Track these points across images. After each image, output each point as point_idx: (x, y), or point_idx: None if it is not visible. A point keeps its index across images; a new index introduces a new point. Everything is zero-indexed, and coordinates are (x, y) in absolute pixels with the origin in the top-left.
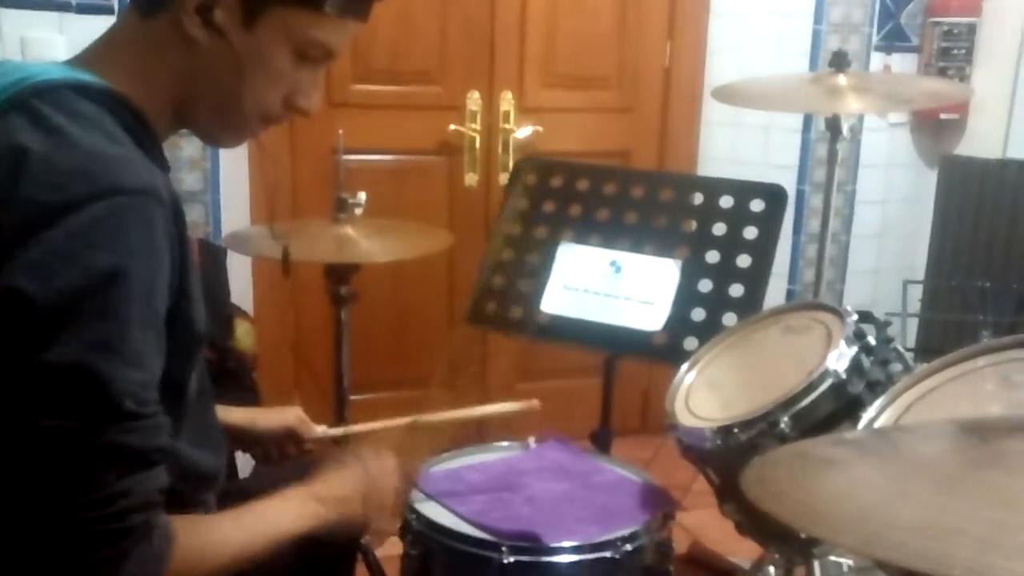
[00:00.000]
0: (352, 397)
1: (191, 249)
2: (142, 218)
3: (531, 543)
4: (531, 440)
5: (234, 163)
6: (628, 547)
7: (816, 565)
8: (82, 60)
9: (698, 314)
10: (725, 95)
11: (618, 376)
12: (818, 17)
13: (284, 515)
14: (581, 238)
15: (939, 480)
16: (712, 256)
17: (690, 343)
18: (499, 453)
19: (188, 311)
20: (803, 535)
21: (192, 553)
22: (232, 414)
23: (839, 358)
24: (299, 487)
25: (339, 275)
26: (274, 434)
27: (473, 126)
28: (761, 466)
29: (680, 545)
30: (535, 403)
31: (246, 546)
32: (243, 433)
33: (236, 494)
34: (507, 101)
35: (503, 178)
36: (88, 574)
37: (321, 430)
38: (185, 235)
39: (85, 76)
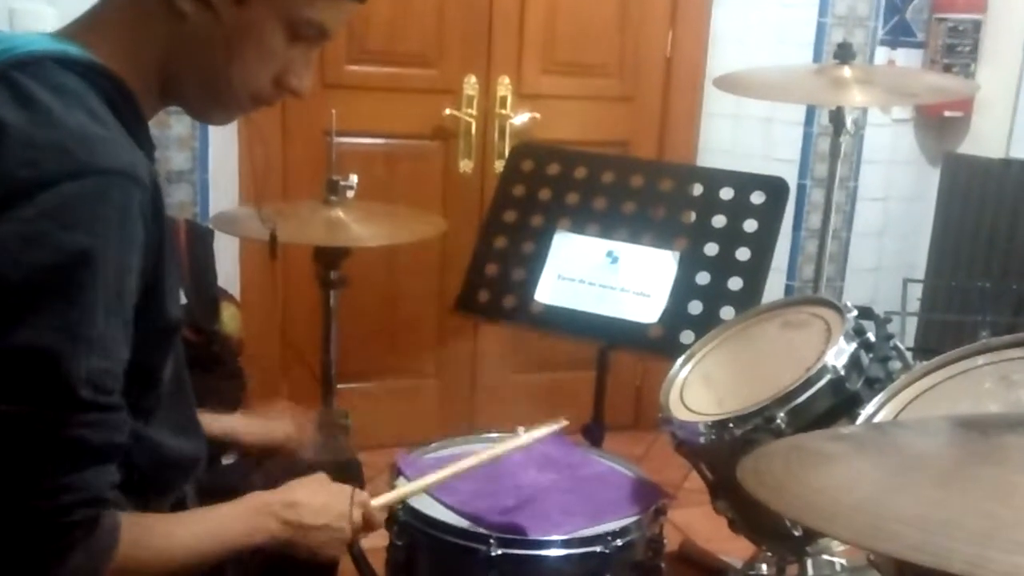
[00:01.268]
0: (340, 385)
1: (178, 232)
2: (117, 200)
3: (515, 535)
4: (520, 430)
5: (224, 142)
6: (618, 542)
7: (809, 564)
8: (69, 32)
9: (695, 307)
10: (727, 84)
11: (611, 371)
12: (823, 9)
13: (235, 525)
14: (578, 227)
15: (936, 474)
16: (711, 248)
17: (686, 336)
18: (488, 444)
19: (161, 297)
20: (797, 532)
21: (137, 552)
22: (214, 424)
23: (838, 354)
24: (259, 498)
25: (329, 259)
26: (256, 447)
27: (469, 111)
28: (757, 459)
29: (671, 543)
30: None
31: (192, 550)
32: (224, 445)
33: (218, 479)
34: (504, 86)
35: (498, 165)
36: (32, 564)
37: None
38: (163, 219)
39: (71, 48)
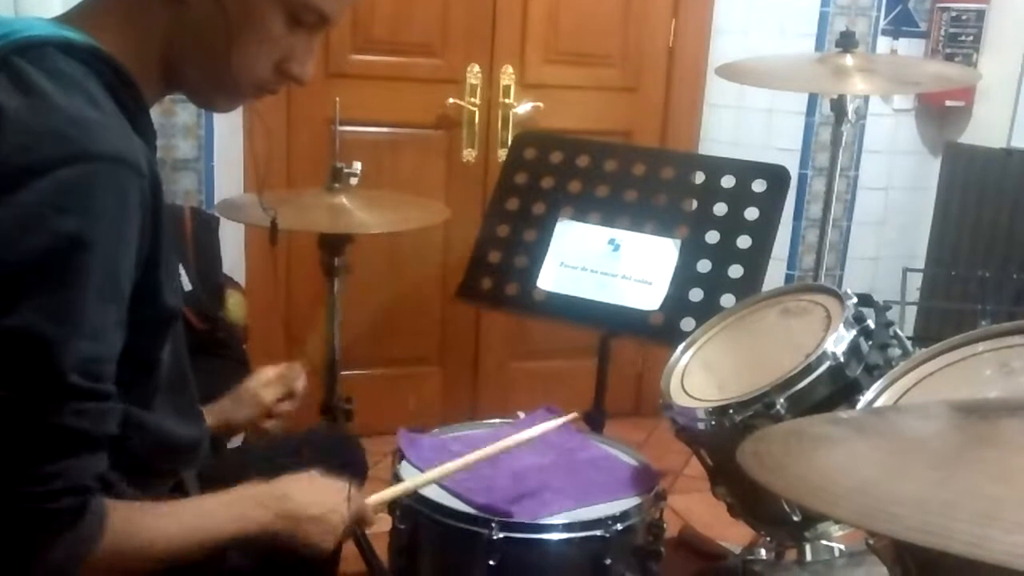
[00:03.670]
0: (343, 372)
1: (183, 219)
2: (112, 186)
3: (503, 518)
4: (521, 415)
5: (229, 131)
6: (619, 526)
7: (807, 549)
8: (71, 18)
9: (696, 294)
10: (729, 72)
11: (612, 358)
12: None
13: (226, 517)
14: (580, 215)
15: (937, 457)
16: (712, 236)
17: (687, 323)
18: (488, 429)
19: (157, 284)
20: (796, 518)
21: (123, 540)
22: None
23: (838, 341)
24: (250, 489)
25: (332, 246)
26: (256, 421)
27: (473, 100)
28: (757, 442)
29: (670, 529)
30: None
31: (180, 543)
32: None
33: (222, 465)
34: (508, 76)
35: (502, 154)
36: (15, 550)
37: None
38: (161, 206)
39: (72, 34)
